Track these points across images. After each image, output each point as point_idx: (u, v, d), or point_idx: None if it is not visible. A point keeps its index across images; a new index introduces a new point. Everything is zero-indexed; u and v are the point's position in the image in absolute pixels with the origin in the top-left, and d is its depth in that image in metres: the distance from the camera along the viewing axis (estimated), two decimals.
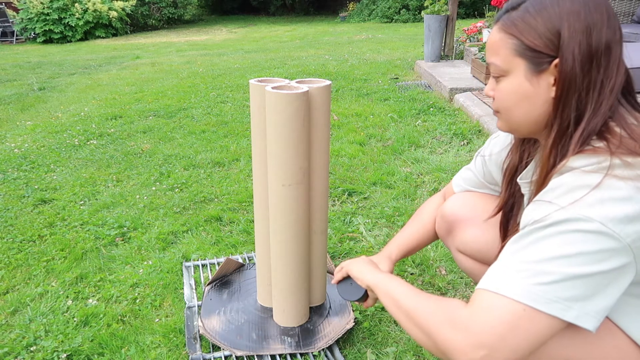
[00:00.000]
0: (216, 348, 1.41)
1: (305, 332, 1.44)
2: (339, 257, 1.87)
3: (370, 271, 1.07)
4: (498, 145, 1.11)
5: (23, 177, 2.78)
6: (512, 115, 0.85)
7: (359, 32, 11.57)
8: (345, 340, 1.43)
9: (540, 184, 0.82)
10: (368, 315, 1.53)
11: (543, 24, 0.77)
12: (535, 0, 0.79)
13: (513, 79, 0.82)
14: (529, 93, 0.81)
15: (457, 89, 4.03)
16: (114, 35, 13.84)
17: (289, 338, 1.42)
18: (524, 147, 0.98)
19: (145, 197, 2.46)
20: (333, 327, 1.45)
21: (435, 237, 1.27)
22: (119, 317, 1.56)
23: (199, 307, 1.57)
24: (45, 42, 12.60)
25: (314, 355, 1.37)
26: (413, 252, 1.27)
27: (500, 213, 1.06)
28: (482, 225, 1.13)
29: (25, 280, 1.79)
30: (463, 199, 1.18)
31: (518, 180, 0.96)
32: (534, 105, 0.82)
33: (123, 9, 13.82)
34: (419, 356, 1.36)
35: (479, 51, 4.28)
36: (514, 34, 0.80)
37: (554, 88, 0.79)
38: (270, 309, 1.51)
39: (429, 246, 1.90)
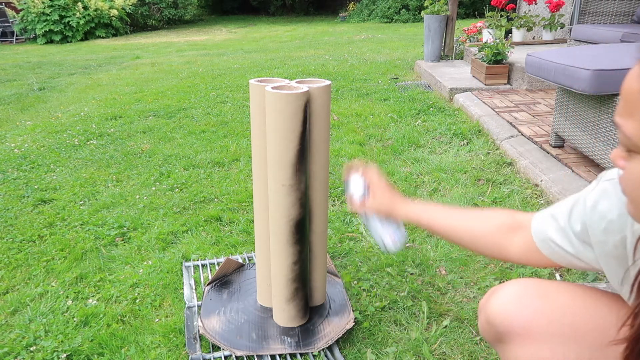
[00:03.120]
0: (216, 348, 1.41)
1: (305, 332, 1.44)
2: (339, 257, 1.87)
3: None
4: (614, 210, 0.70)
5: (23, 177, 2.78)
6: None
7: (358, 32, 11.56)
8: (345, 340, 1.43)
9: None
10: (368, 315, 1.53)
11: None
12: None
13: None
14: None
15: (457, 89, 4.03)
16: (114, 35, 13.84)
17: (288, 338, 1.42)
18: None
19: (145, 197, 2.46)
20: (333, 327, 1.45)
21: (464, 244, 0.97)
22: (119, 317, 1.56)
23: (199, 307, 1.57)
24: (46, 43, 12.60)
25: (314, 355, 1.37)
26: (425, 227, 1.03)
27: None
28: (552, 342, 0.76)
29: (25, 280, 1.79)
30: (522, 294, 0.79)
31: None
32: None
33: (123, 8, 13.82)
34: (418, 356, 1.36)
35: (479, 51, 4.29)
36: None
37: None
38: (270, 309, 1.51)
39: (428, 246, 1.90)
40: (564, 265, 0.81)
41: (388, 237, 1.09)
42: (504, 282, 0.89)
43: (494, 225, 0.92)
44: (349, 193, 1.13)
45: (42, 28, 12.47)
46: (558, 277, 1.68)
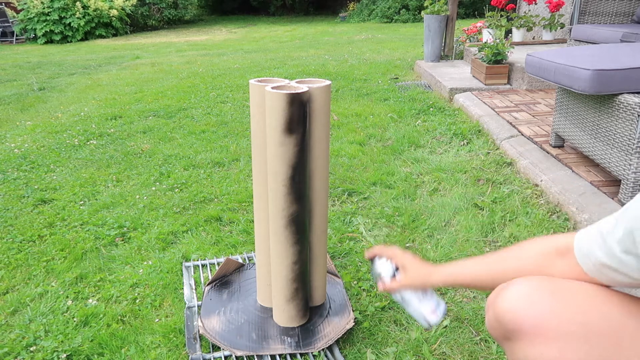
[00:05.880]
0: (216, 348, 1.41)
1: (305, 332, 1.44)
2: (339, 257, 1.87)
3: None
4: None
5: (23, 177, 2.78)
6: None
7: (358, 32, 11.56)
8: (345, 340, 1.43)
9: None
10: (368, 315, 1.53)
11: None
12: None
13: None
14: None
15: (457, 89, 4.03)
16: (114, 35, 13.84)
17: (289, 338, 1.42)
18: None
19: (145, 197, 2.46)
20: (333, 327, 1.45)
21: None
22: (119, 317, 1.56)
23: (199, 307, 1.58)
24: (46, 43, 12.60)
25: (314, 355, 1.37)
26: (467, 285, 0.98)
27: None
28: (562, 341, 0.73)
29: (25, 280, 1.79)
30: (532, 291, 0.78)
31: None
32: None
33: (123, 9, 13.82)
34: (418, 356, 1.36)
35: (479, 51, 4.29)
36: None
37: None
38: (270, 309, 1.51)
39: (428, 246, 1.90)
40: (606, 282, 0.77)
41: (429, 311, 1.07)
42: None
43: (535, 256, 0.87)
44: (378, 276, 1.12)
45: (42, 28, 12.46)
46: None
